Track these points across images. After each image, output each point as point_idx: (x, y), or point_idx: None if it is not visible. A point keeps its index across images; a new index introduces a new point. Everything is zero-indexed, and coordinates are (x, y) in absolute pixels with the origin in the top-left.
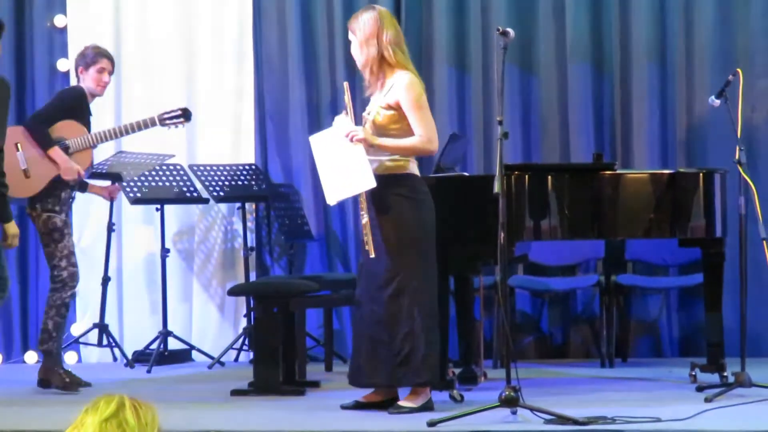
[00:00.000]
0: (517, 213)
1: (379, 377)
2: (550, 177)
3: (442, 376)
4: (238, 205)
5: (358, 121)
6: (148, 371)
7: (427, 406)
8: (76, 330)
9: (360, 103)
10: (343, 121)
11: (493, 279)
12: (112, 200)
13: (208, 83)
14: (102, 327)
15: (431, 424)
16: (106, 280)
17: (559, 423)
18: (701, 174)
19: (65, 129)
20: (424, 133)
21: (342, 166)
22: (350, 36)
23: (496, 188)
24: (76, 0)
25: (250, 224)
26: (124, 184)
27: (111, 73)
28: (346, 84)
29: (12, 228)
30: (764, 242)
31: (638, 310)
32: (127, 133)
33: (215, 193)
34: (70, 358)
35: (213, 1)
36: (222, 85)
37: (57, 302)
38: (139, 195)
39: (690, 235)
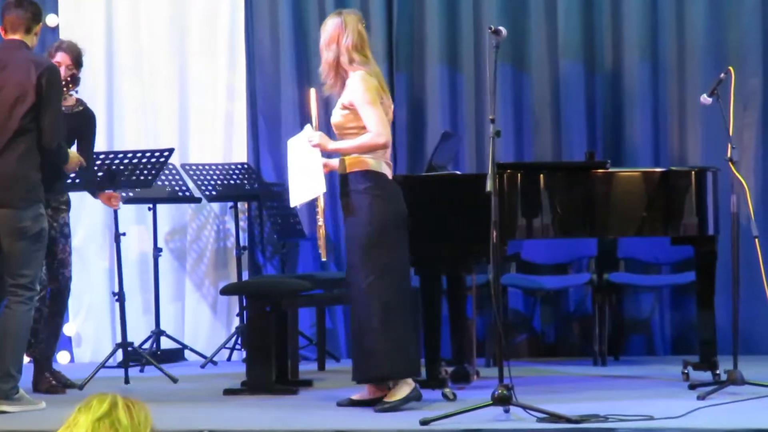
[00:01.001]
0: (509, 211)
1: (355, 373)
2: (542, 175)
3: (432, 373)
4: (230, 204)
5: (323, 126)
6: (141, 370)
7: (411, 397)
8: (68, 330)
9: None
10: (308, 127)
11: (485, 277)
12: (113, 208)
13: (201, 83)
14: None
15: (424, 422)
16: (121, 296)
17: (551, 421)
18: (693, 172)
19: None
20: (372, 128)
21: (303, 170)
22: None
23: (489, 187)
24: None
25: (243, 223)
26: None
27: (71, 67)
28: (311, 90)
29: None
30: (756, 240)
31: (631, 309)
32: None
33: (207, 193)
34: (62, 358)
35: (205, 1)
36: (214, 85)
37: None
38: (131, 194)
39: (682, 233)
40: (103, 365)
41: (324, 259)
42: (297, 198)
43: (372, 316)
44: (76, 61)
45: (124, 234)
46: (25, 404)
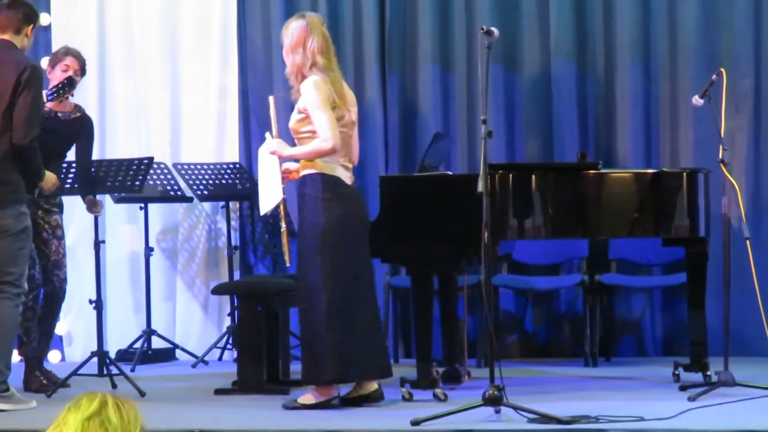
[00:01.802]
0: (501, 212)
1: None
2: (534, 176)
3: (423, 373)
4: (222, 203)
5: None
6: (132, 370)
7: (326, 405)
8: (59, 329)
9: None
10: (268, 135)
11: (477, 278)
12: (94, 215)
13: (193, 82)
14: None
15: (415, 423)
16: (99, 304)
17: (542, 422)
18: (685, 173)
19: None
20: (320, 134)
21: (268, 178)
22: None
23: (480, 187)
24: None
25: (234, 223)
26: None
27: (78, 73)
28: (270, 98)
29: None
30: (747, 242)
31: (622, 310)
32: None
33: (199, 192)
34: (53, 356)
35: (198, 0)
36: (206, 85)
37: (22, 307)
38: (122, 193)
39: (674, 234)
40: (75, 372)
41: (288, 264)
42: (264, 206)
43: (315, 319)
44: (83, 68)
45: (103, 242)
46: (16, 402)
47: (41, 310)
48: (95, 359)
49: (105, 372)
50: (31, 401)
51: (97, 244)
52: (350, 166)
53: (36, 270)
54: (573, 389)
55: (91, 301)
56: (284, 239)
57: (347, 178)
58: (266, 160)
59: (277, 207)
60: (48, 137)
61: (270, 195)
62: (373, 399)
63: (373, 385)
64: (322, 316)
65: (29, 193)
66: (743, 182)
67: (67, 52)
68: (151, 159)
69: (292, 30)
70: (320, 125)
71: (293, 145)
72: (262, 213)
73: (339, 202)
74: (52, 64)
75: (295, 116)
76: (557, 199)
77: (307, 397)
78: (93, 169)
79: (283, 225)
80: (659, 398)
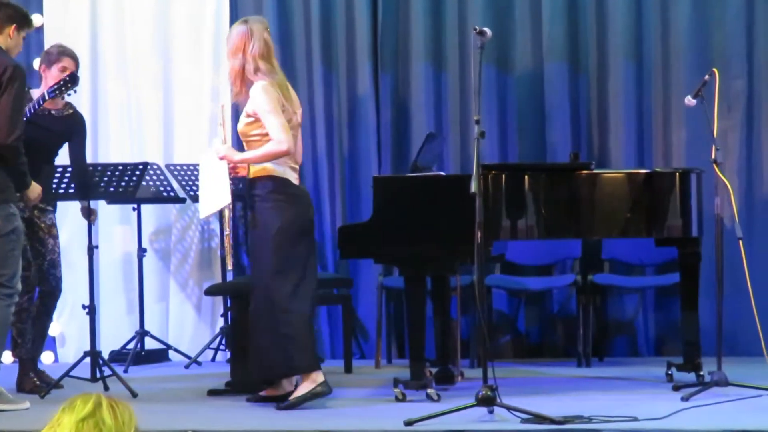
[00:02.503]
0: (493, 212)
1: (263, 372)
2: (526, 177)
3: (416, 374)
4: None
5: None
6: (125, 371)
7: (314, 393)
8: (53, 330)
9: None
10: (216, 141)
11: (469, 278)
12: (89, 222)
13: (185, 84)
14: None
15: (408, 423)
16: (91, 308)
17: (535, 422)
18: (677, 174)
19: None
20: (274, 136)
21: (212, 182)
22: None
23: (473, 188)
24: None
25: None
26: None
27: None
28: (222, 105)
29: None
30: (740, 241)
31: (615, 310)
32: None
33: (192, 193)
34: (46, 358)
35: (190, 2)
36: (199, 86)
37: (16, 308)
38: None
39: (666, 234)
40: (67, 374)
41: (229, 268)
42: (205, 209)
43: (263, 315)
44: (78, 68)
45: (96, 247)
46: (7, 402)
47: (36, 308)
48: (88, 359)
49: (98, 375)
50: (25, 402)
51: (91, 249)
52: (297, 167)
53: (31, 271)
54: (566, 389)
55: (84, 306)
56: (228, 243)
57: (295, 179)
58: (212, 164)
59: (221, 211)
60: (42, 134)
61: (214, 199)
62: (280, 400)
63: (289, 388)
64: (271, 313)
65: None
66: (736, 182)
67: (63, 52)
68: (145, 165)
69: (233, 35)
70: (273, 129)
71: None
72: (202, 216)
73: (290, 203)
74: (47, 64)
75: (243, 120)
76: (550, 200)
77: (298, 390)
78: (91, 173)
79: (228, 229)
80: (652, 398)
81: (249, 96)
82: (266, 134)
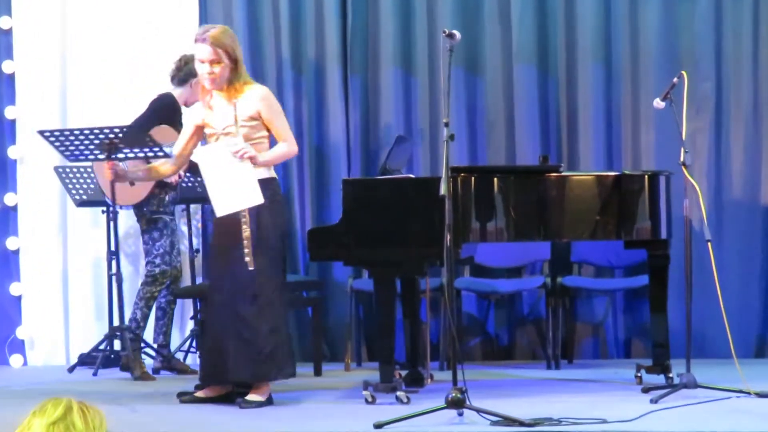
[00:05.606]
0: (463, 215)
1: (243, 374)
2: (496, 179)
3: (386, 376)
4: (182, 207)
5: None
6: (95, 374)
7: (271, 400)
8: (21, 333)
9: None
10: (231, 140)
11: (439, 281)
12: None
13: (156, 86)
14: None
15: (378, 426)
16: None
17: (505, 424)
18: (646, 176)
19: (160, 135)
20: (286, 138)
21: (231, 181)
22: None
23: (443, 190)
24: (22, 1)
25: (195, 226)
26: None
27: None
28: (233, 103)
29: None
30: (709, 244)
31: (584, 312)
32: None
33: None
34: (15, 361)
35: (159, 3)
36: (169, 88)
37: (146, 295)
38: (85, 197)
39: (635, 236)
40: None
41: (251, 268)
42: (226, 208)
43: (271, 320)
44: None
45: (115, 254)
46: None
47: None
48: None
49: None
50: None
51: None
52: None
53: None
54: (535, 392)
55: (111, 275)
56: (248, 243)
57: None
58: (220, 161)
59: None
60: None
61: (237, 197)
62: (217, 402)
63: (227, 388)
64: (274, 317)
65: None
66: (704, 184)
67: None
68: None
69: (227, 40)
70: (285, 131)
71: None
72: (221, 214)
73: (281, 207)
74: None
75: (247, 123)
76: (519, 202)
77: (256, 393)
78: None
79: (248, 229)
80: (621, 400)
81: (234, 97)
82: (265, 137)
